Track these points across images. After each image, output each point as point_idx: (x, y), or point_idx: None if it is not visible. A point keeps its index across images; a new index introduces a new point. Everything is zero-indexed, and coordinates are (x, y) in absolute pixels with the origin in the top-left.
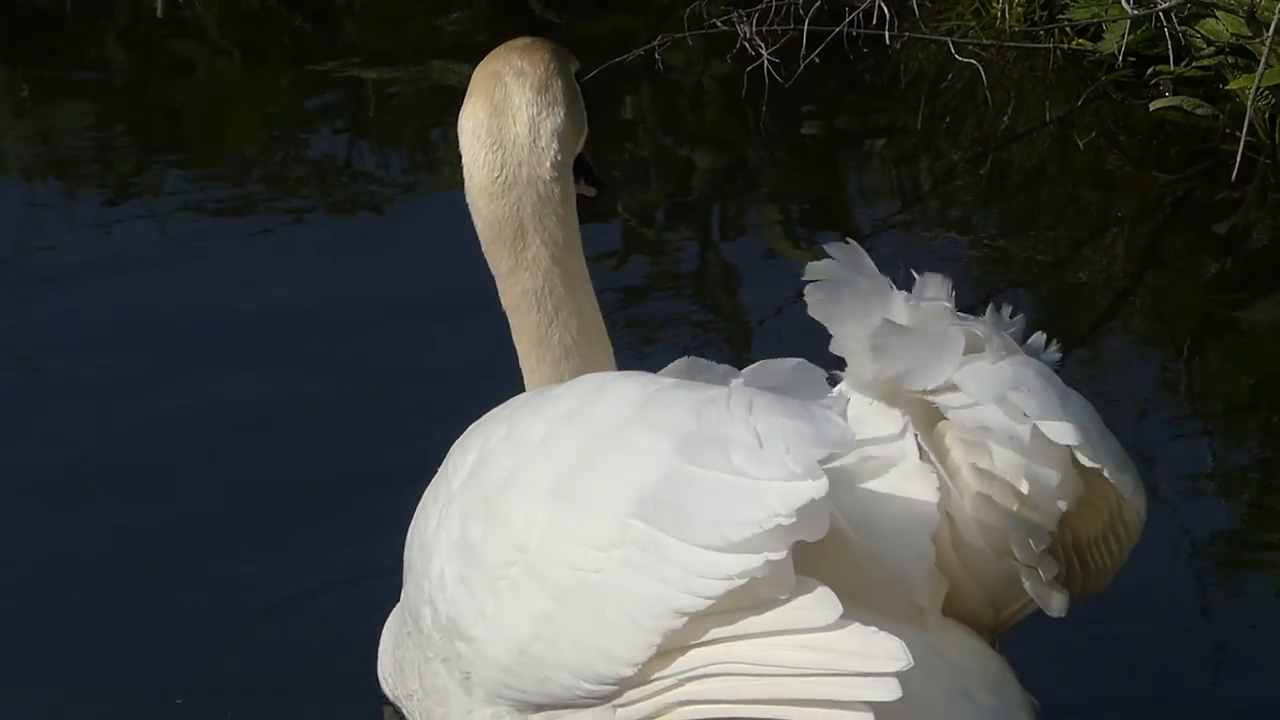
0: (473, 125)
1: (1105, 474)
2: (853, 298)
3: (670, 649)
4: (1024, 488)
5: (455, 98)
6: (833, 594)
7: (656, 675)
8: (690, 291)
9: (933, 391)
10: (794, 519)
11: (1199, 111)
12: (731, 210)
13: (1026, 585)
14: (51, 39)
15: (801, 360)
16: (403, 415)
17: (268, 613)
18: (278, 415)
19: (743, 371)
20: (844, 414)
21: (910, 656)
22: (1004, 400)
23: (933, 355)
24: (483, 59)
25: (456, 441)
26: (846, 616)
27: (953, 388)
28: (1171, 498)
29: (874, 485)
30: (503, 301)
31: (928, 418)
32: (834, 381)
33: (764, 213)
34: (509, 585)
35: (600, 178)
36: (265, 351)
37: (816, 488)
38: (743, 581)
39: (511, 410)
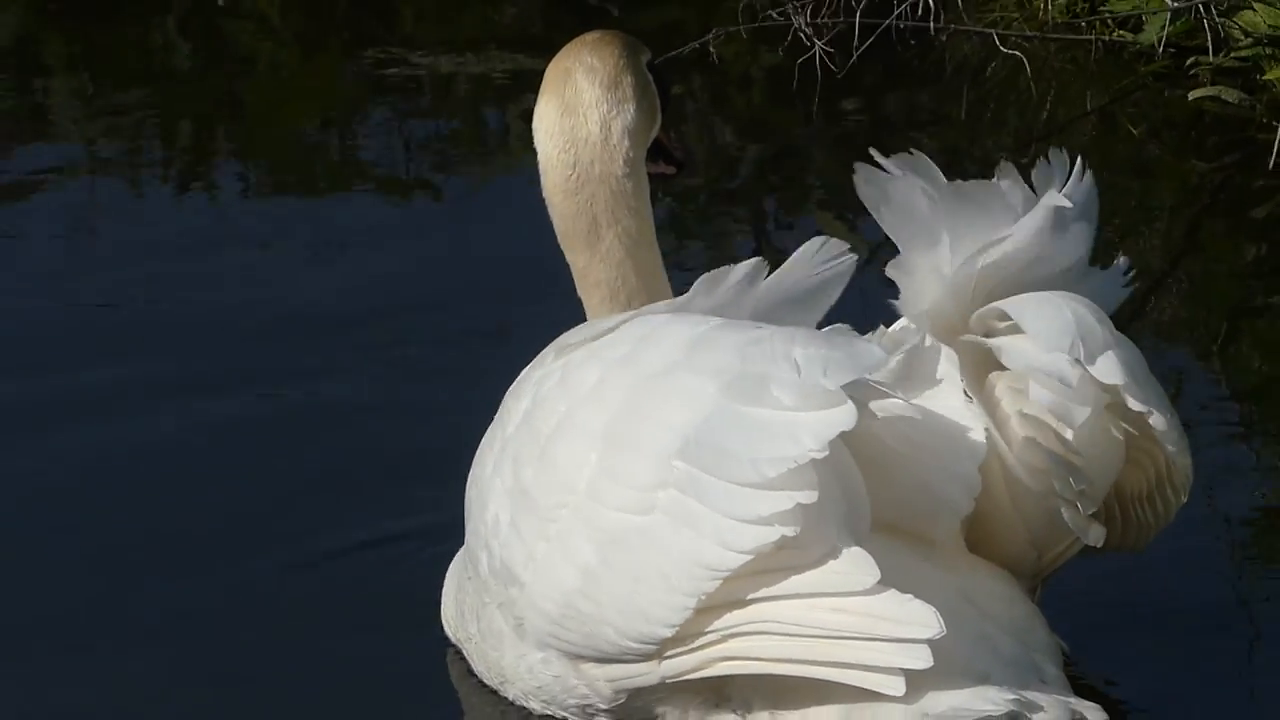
0: (546, 125)
1: (1150, 421)
2: (923, 224)
3: (714, 607)
4: (1068, 433)
5: (510, 87)
6: (871, 558)
7: (699, 632)
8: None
9: (987, 327)
10: (826, 451)
11: (1237, 101)
12: (783, 195)
13: (1065, 514)
14: (116, 27)
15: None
16: (470, 380)
17: (337, 561)
18: (346, 384)
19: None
20: (879, 343)
21: (942, 624)
22: (1057, 342)
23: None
24: (553, 53)
25: (511, 387)
26: (887, 574)
27: (1004, 321)
28: (1208, 477)
29: (922, 421)
30: (578, 288)
31: (975, 358)
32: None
33: (815, 197)
34: (558, 529)
35: (679, 156)
36: (328, 327)
37: (845, 417)
38: (776, 535)
39: (562, 349)
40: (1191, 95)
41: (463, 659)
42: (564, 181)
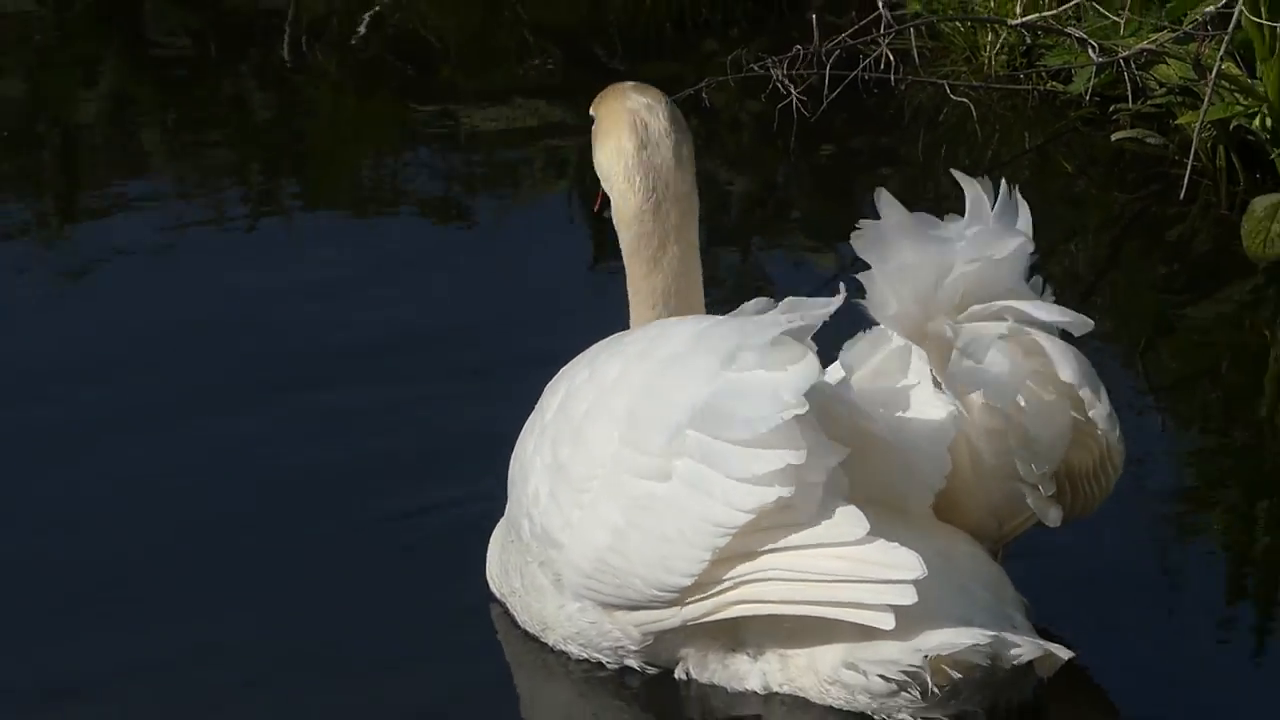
0: (624, 159)
1: (1093, 413)
2: (893, 236)
3: (727, 558)
4: (1029, 424)
5: (533, 131)
6: (860, 513)
7: (715, 580)
8: (731, 291)
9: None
10: (805, 406)
11: (1152, 142)
12: (767, 222)
13: (1029, 500)
14: (197, 79)
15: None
16: (507, 381)
17: (396, 525)
18: (404, 380)
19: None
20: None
21: (925, 568)
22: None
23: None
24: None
25: (549, 384)
26: (873, 532)
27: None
28: (1134, 461)
29: (897, 410)
30: (631, 295)
31: (942, 353)
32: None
33: (794, 223)
34: (590, 498)
35: None
36: (382, 340)
37: (810, 369)
38: (774, 495)
39: (592, 356)
40: (1114, 137)
41: (505, 611)
42: (643, 204)
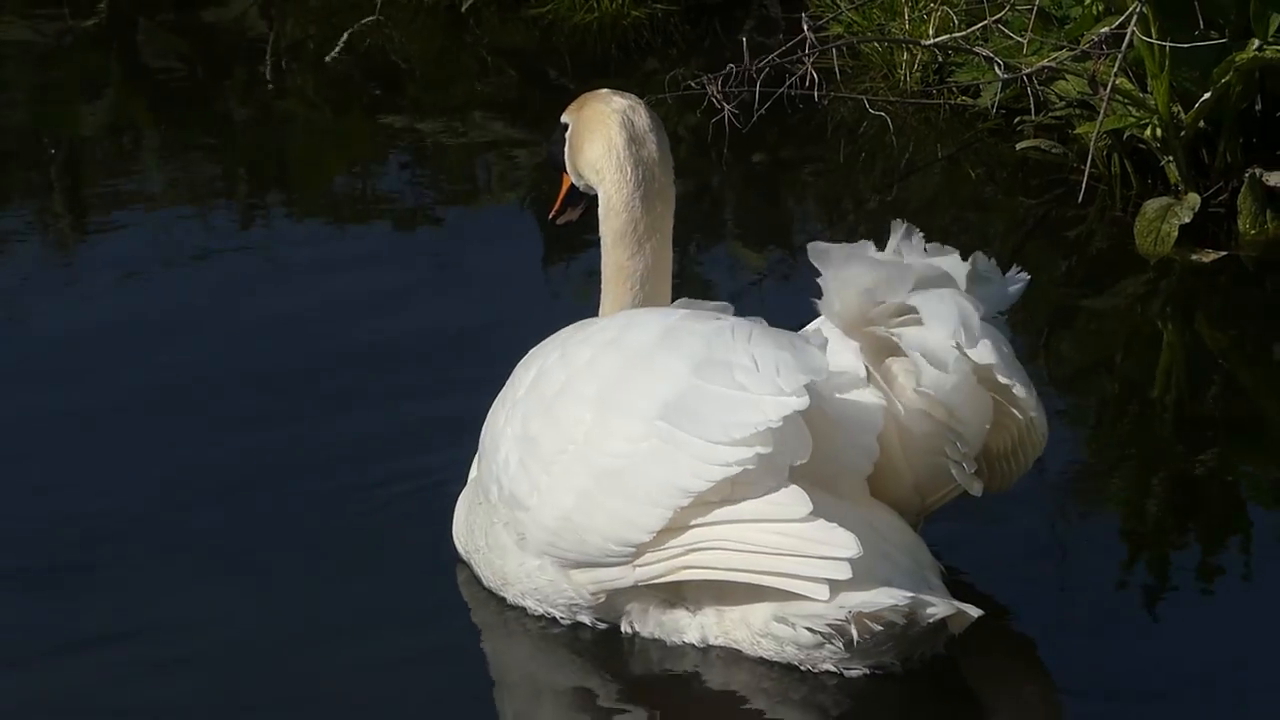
0: (616, 153)
1: (1015, 391)
2: (839, 253)
3: (679, 525)
4: (955, 405)
5: (491, 143)
6: (805, 494)
7: (667, 545)
8: (674, 289)
9: (891, 316)
10: (781, 424)
11: (1053, 151)
12: (700, 226)
13: (954, 473)
14: (185, 96)
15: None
16: (469, 369)
17: (367, 494)
18: (375, 367)
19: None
20: (822, 347)
21: (860, 547)
22: (947, 330)
23: (894, 280)
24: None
25: (520, 362)
26: (815, 512)
27: (909, 314)
28: None
29: (834, 398)
30: (607, 279)
31: (877, 348)
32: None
33: (727, 227)
34: (560, 468)
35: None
36: (355, 331)
37: (800, 402)
38: (738, 469)
39: (564, 339)
40: (1018, 146)
41: (470, 574)
42: (633, 195)
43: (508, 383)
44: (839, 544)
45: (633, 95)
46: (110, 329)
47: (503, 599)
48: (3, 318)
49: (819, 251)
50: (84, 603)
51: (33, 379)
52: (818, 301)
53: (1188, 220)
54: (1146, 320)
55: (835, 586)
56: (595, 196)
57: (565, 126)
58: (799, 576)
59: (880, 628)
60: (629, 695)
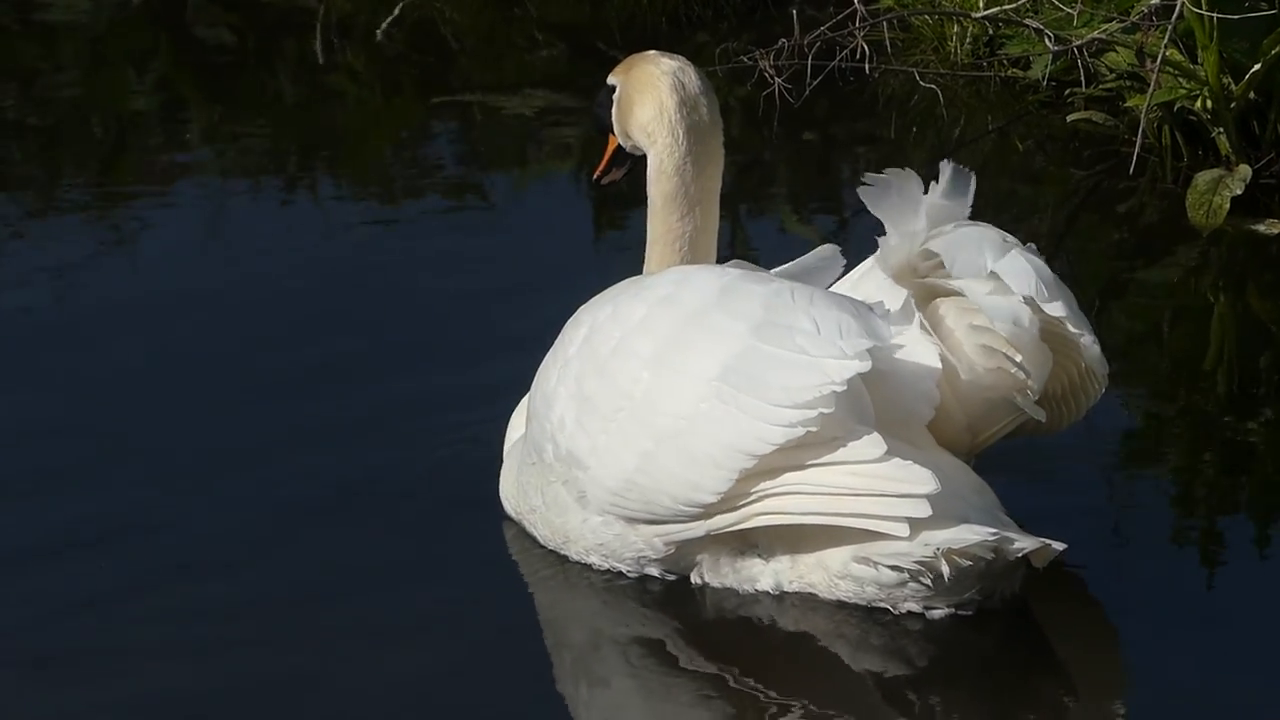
0: (668, 117)
1: (1083, 342)
2: (898, 195)
3: (751, 476)
4: (1024, 353)
5: (541, 114)
6: (880, 437)
7: (740, 494)
8: (723, 258)
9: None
10: (844, 386)
11: (1104, 123)
12: (752, 198)
13: (1019, 402)
14: (238, 74)
15: (827, 245)
16: (517, 336)
17: (423, 448)
18: (417, 330)
19: (781, 267)
20: (884, 316)
21: (938, 483)
22: (1023, 286)
23: (975, 250)
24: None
25: (569, 321)
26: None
27: (982, 276)
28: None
29: (891, 347)
30: (652, 235)
31: (923, 294)
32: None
33: (778, 200)
34: (617, 427)
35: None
36: (404, 295)
37: (863, 365)
38: (802, 431)
39: (613, 296)
40: (1069, 118)
41: (521, 531)
42: (685, 158)
43: (557, 342)
44: (918, 481)
45: (681, 57)
46: (159, 299)
47: (562, 556)
48: (55, 289)
49: (874, 196)
50: (150, 550)
51: (82, 347)
52: (880, 239)
53: (1239, 192)
54: (1197, 292)
55: (915, 524)
56: (641, 158)
57: (613, 88)
58: (879, 516)
59: (969, 563)
60: (704, 645)
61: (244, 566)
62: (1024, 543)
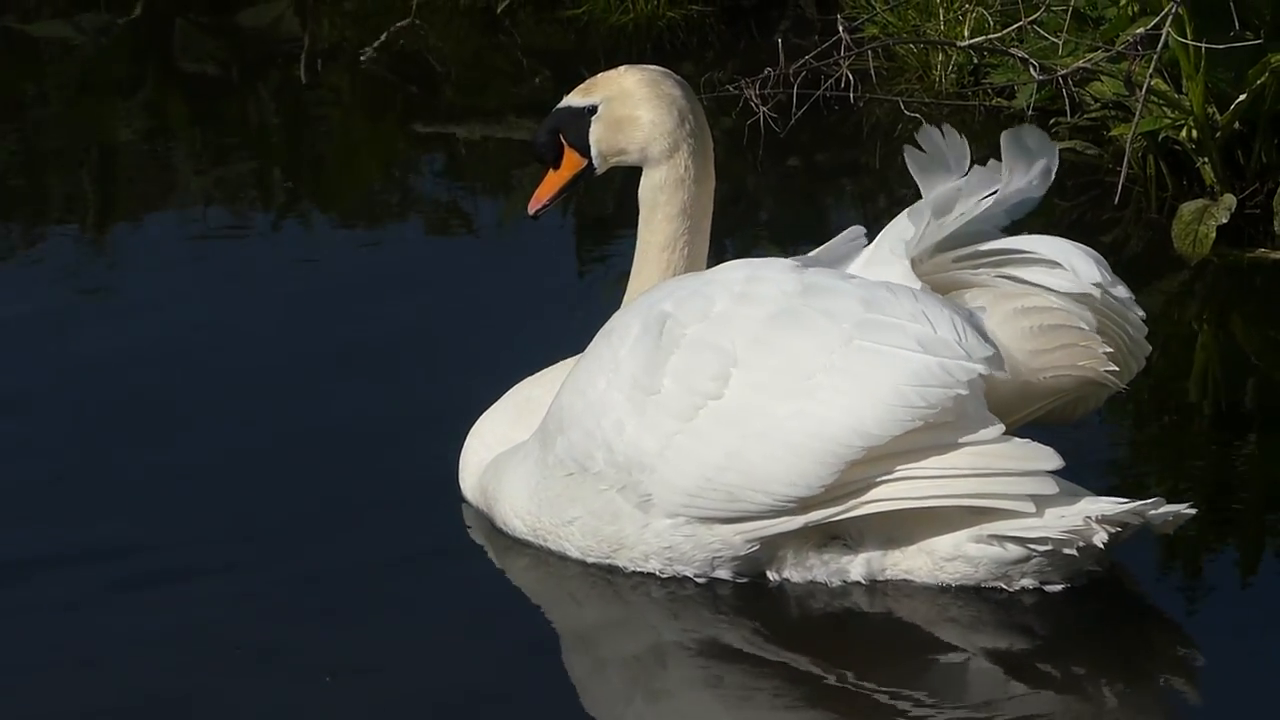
0: (689, 126)
1: (1129, 319)
2: (942, 165)
3: (859, 463)
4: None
5: (527, 144)
6: (995, 417)
7: (841, 485)
8: None
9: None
10: (967, 390)
11: (1089, 152)
12: (737, 227)
13: (1094, 369)
14: (221, 99)
15: (855, 227)
16: (492, 355)
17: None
18: (398, 349)
19: (812, 253)
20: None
21: (1060, 459)
22: (1091, 274)
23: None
24: (604, 86)
25: (600, 332)
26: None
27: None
28: (1071, 430)
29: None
30: (649, 249)
31: (937, 286)
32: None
33: (762, 228)
34: (697, 426)
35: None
36: (388, 324)
37: (985, 366)
38: (916, 424)
39: (657, 300)
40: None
41: (537, 555)
42: (694, 168)
43: (591, 353)
44: (1041, 458)
45: (655, 67)
46: (145, 325)
47: (606, 567)
48: (41, 313)
49: (917, 164)
50: (143, 562)
51: (73, 372)
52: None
53: (1225, 221)
54: (1183, 321)
55: (1039, 501)
56: (577, 187)
57: (590, 109)
58: (1003, 496)
59: (1118, 529)
60: (794, 644)
61: (274, 560)
62: (1170, 508)
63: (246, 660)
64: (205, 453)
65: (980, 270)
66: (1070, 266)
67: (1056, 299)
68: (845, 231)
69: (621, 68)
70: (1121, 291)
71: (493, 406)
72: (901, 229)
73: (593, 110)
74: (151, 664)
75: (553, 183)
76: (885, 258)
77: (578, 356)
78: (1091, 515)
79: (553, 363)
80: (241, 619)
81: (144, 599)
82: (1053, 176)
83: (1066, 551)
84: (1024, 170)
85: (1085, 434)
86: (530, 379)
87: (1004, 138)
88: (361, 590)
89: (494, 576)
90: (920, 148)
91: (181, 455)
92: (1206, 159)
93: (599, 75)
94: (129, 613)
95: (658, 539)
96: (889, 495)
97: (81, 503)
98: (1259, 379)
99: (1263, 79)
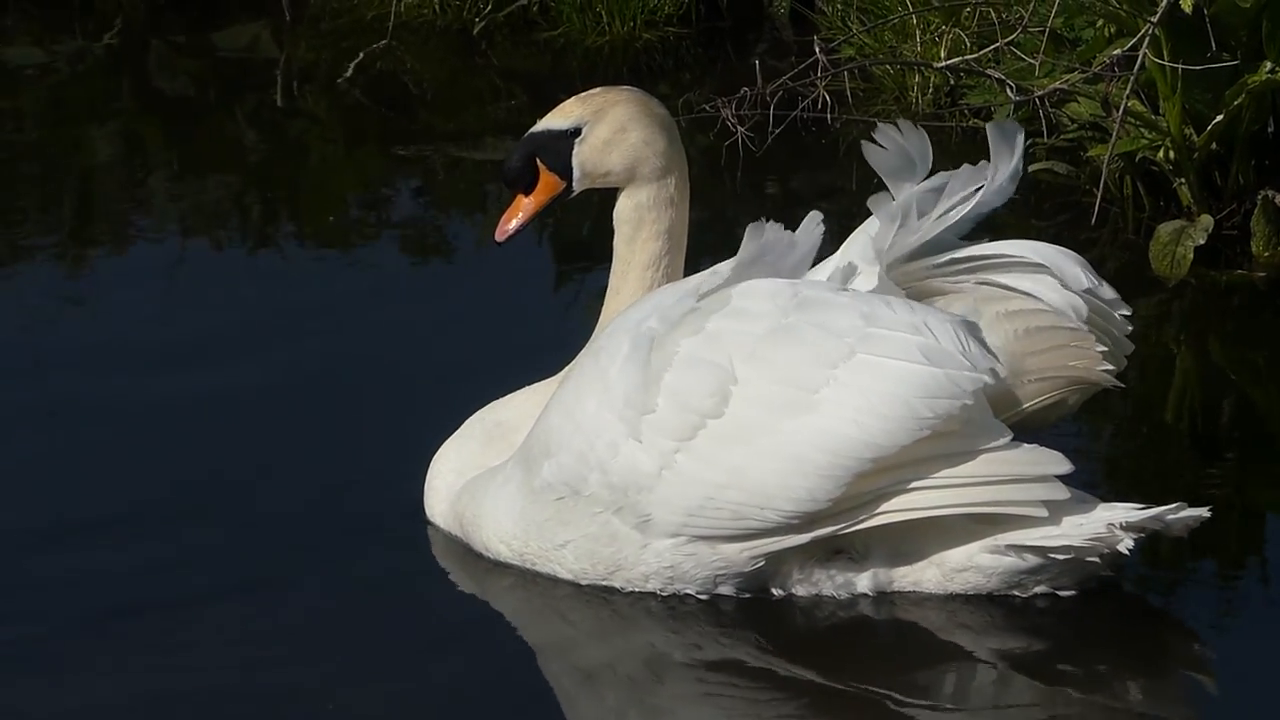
0: (664, 148)
1: (1117, 314)
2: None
3: (867, 475)
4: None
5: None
6: (1002, 424)
7: (848, 498)
8: None
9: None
10: (973, 400)
11: (1065, 173)
12: (712, 250)
13: (1090, 371)
14: (195, 122)
15: (813, 212)
16: (472, 378)
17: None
18: (378, 373)
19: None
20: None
21: (1070, 464)
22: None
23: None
24: (588, 104)
25: (586, 351)
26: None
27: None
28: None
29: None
30: (632, 269)
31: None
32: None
33: (737, 247)
34: (697, 444)
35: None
36: (366, 345)
37: (989, 376)
38: (926, 432)
39: (640, 319)
40: (1031, 169)
41: (519, 578)
42: (676, 187)
43: (578, 373)
44: (1051, 463)
45: (629, 87)
46: (118, 350)
47: (602, 589)
48: (15, 337)
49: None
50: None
51: (44, 395)
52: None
53: (1202, 242)
54: (1161, 343)
55: (1053, 508)
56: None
57: (574, 131)
58: (1013, 503)
59: (1140, 535)
60: (802, 658)
61: (281, 585)
62: (1190, 512)
63: (227, 693)
64: (171, 476)
65: (960, 277)
66: (1056, 269)
67: (1042, 301)
68: (805, 220)
69: (600, 89)
70: (1107, 292)
71: (456, 433)
72: (874, 234)
73: (575, 132)
74: (124, 705)
75: (525, 208)
76: (857, 266)
77: (549, 380)
78: (1115, 522)
79: (524, 385)
80: (217, 648)
81: (110, 632)
82: (1019, 178)
83: (1089, 559)
84: (1006, 161)
85: (1067, 445)
86: (494, 404)
87: (989, 129)
88: (343, 616)
89: (471, 599)
90: (880, 145)
91: (149, 479)
92: (1184, 180)
93: (577, 96)
94: (91, 652)
95: (658, 559)
96: (899, 506)
97: (34, 540)
98: (1237, 399)
99: (1240, 100)
